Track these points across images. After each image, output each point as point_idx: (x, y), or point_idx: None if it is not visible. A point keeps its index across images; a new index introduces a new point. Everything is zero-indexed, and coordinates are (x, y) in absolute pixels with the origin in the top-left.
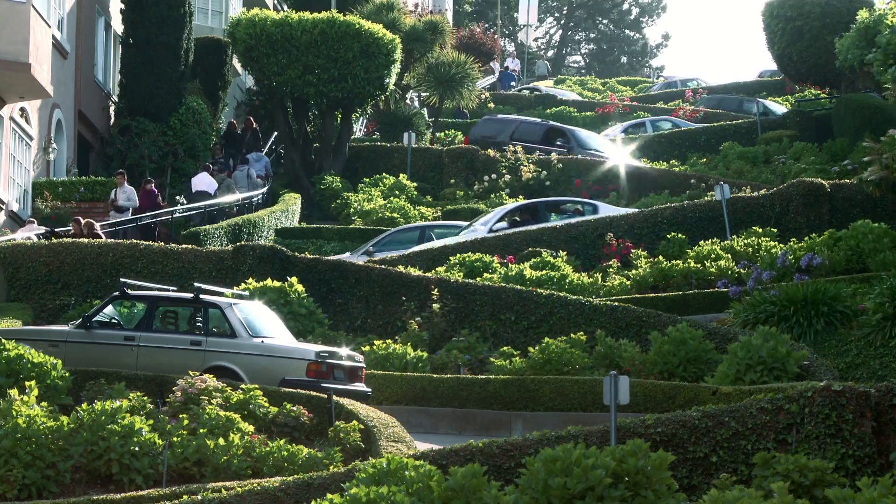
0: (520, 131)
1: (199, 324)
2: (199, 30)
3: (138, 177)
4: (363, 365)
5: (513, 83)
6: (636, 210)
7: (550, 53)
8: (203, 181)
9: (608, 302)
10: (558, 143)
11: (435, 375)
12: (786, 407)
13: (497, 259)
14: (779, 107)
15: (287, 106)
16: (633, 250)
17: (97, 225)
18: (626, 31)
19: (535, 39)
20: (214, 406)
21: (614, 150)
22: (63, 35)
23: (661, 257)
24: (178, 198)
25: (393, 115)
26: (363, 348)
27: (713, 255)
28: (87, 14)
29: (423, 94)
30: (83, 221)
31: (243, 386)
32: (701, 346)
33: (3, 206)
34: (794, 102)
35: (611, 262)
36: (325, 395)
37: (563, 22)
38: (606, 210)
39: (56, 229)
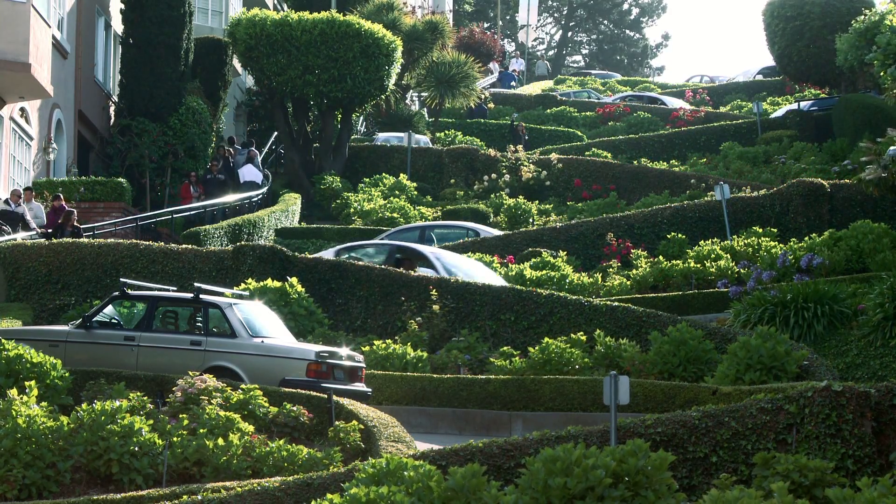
0: None
1: (199, 324)
2: (199, 30)
3: (139, 177)
4: (363, 365)
5: (513, 83)
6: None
7: (550, 53)
8: (250, 171)
9: (608, 302)
10: None
11: (435, 375)
12: (786, 407)
13: (497, 259)
14: None
15: (287, 106)
16: (633, 250)
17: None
18: (627, 32)
19: (535, 39)
20: (214, 406)
21: None
22: (63, 35)
23: (661, 257)
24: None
25: (393, 115)
26: (363, 348)
27: (713, 255)
28: (87, 14)
29: (422, 95)
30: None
31: (243, 386)
32: (701, 346)
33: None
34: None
35: (611, 262)
36: (325, 395)
37: (563, 22)
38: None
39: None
